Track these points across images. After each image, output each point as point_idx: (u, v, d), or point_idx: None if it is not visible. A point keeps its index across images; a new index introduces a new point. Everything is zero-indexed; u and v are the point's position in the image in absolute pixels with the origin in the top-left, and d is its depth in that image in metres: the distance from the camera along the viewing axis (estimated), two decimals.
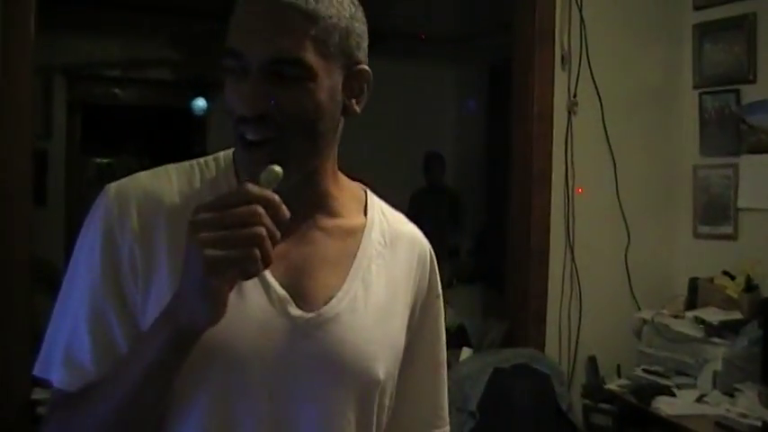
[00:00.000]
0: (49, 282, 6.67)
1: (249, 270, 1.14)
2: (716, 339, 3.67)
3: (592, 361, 4.11)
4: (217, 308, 1.16)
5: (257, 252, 1.12)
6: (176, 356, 1.23)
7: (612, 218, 4.18)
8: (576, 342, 4.14)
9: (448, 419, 1.65)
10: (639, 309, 4.17)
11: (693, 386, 3.63)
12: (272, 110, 1.28)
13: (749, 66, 3.99)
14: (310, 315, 1.37)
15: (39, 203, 5.89)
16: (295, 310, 1.36)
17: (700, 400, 3.51)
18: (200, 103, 8.34)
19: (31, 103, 3.41)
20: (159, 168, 1.43)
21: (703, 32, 4.23)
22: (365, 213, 1.53)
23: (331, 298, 1.39)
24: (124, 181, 1.40)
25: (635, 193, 4.23)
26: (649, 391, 3.59)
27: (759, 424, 3.19)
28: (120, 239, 1.34)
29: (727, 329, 3.67)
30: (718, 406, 3.41)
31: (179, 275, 1.20)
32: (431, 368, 1.62)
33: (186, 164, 1.45)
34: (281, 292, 1.36)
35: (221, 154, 1.47)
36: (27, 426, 3.42)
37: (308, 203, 1.43)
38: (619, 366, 4.08)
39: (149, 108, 9.03)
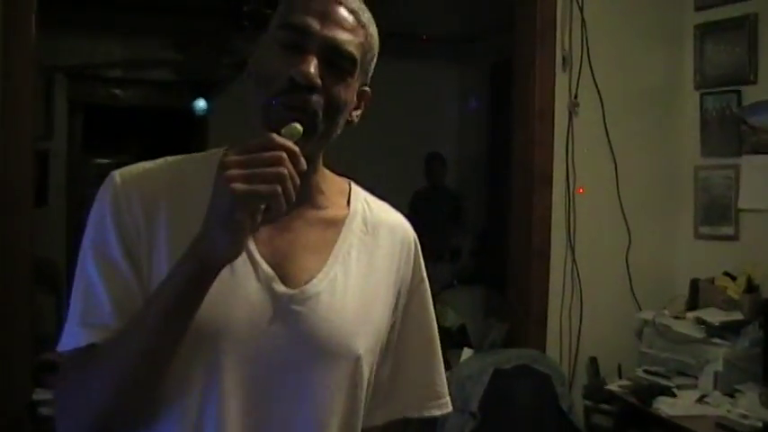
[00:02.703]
0: (51, 282, 6.70)
1: (273, 205, 1.24)
2: (717, 340, 3.67)
3: (593, 361, 4.11)
4: (238, 241, 1.27)
5: (280, 189, 1.23)
6: (195, 291, 1.31)
7: (613, 218, 4.18)
8: (577, 343, 4.14)
9: (447, 392, 1.73)
10: (640, 309, 4.17)
11: (694, 387, 3.63)
12: (318, 87, 1.41)
13: (750, 66, 3.99)
14: (293, 292, 1.46)
15: (40, 204, 5.91)
16: (279, 287, 1.46)
17: (700, 400, 3.51)
18: (201, 103, 8.35)
19: (32, 104, 3.42)
20: (158, 159, 1.55)
21: (704, 33, 4.23)
22: (348, 205, 1.63)
23: (312, 278, 1.49)
24: (127, 167, 1.51)
25: (636, 194, 4.23)
26: (650, 392, 3.59)
27: (760, 425, 3.20)
28: (127, 214, 1.44)
29: (727, 330, 3.67)
30: (719, 407, 3.41)
31: (176, 246, 1.35)
32: (422, 345, 1.70)
33: (180, 156, 1.58)
34: (268, 269, 1.46)
35: (214, 150, 1.58)
36: (29, 426, 3.42)
37: (298, 197, 1.45)
38: (620, 367, 4.08)
39: (150, 108, 9.04)
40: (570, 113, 4.10)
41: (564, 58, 4.08)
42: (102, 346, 1.37)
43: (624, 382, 3.89)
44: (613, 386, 3.87)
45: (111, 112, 8.81)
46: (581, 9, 4.08)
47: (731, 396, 3.47)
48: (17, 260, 3.33)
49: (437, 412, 1.72)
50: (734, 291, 3.84)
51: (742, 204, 4.02)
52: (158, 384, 1.37)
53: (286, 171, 1.24)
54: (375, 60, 1.57)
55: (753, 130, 3.93)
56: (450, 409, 1.73)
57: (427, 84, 8.65)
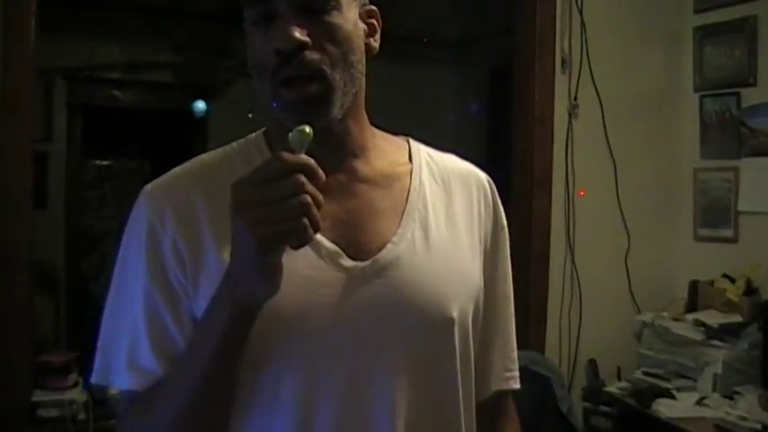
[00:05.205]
0: (50, 284, 6.69)
1: (301, 240, 1.13)
2: (716, 342, 3.67)
3: (592, 363, 4.11)
4: (275, 281, 1.17)
5: (306, 221, 1.11)
6: (241, 332, 1.22)
7: (613, 221, 4.18)
8: (577, 344, 4.14)
9: (517, 361, 1.64)
10: (640, 311, 4.17)
11: (693, 389, 3.63)
12: (308, 43, 1.26)
13: (750, 69, 3.99)
14: (365, 263, 1.34)
15: (39, 206, 5.89)
16: (348, 262, 1.33)
17: (700, 402, 3.51)
18: (201, 105, 8.33)
19: (31, 106, 3.41)
20: (193, 159, 1.45)
21: (704, 35, 4.24)
22: (410, 159, 1.51)
23: (386, 244, 1.37)
24: (159, 179, 1.42)
25: (635, 196, 4.23)
26: (649, 394, 3.59)
27: (759, 427, 3.20)
28: (162, 235, 1.34)
29: (727, 332, 3.67)
30: (718, 409, 3.41)
31: (227, 253, 1.21)
32: (505, 306, 1.64)
33: (214, 151, 1.47)
34: (330, 246, 1.33)
35: (251, 136, 1.47)
36: (28, 428, 3.42)
37: (347, 153, 1.41)
38: (619, 369, 4.09)
39: (150, 110, 9.02)
40: (570, 116, 4.10)
41: (564, 61, 4.08)
42: (152, 394, 1.32)
43: (623, 384, 3.89)
44: (612, 388, 3.88)
45: (110, 114, 8.80)
46: (581, 11, 4.09)
47: (730, 398, 3.47)
48: (16, 262, 3.32)
49: (514, 386, 1.63)
50: (733, 293, 3.85)
51: (741, 207, 4.03)
52: (222, 412, 1.29)
53: (308, 198, 1.10)
54: None
55: (752, 133, 3.93)
56: (518, 385, 1.63)
57: (427, 86, 8.63)
